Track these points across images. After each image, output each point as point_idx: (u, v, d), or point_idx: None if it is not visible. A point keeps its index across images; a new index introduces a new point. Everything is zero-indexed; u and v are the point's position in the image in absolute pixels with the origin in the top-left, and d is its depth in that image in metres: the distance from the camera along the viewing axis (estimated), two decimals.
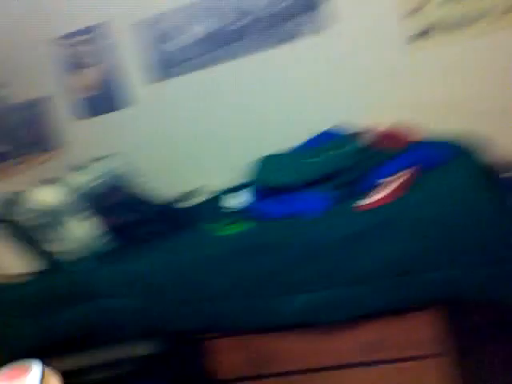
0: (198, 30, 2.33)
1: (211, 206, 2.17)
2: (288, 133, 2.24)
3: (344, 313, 1.59)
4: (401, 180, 1.72)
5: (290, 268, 1.63)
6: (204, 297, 1.69)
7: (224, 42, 2.32)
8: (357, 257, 1.58)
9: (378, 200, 1.67)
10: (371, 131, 2.08)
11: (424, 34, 2.20)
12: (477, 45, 2.12)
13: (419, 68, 2.21)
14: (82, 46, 2.45)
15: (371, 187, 1.74)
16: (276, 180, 1.93)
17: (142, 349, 1.76)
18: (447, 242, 1.50)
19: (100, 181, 2.12)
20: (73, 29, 2.46)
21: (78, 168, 2.16)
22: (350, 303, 1.59)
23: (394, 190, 1.68)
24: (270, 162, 2.02)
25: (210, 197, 2.28)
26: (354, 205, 1.67)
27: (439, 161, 1.82)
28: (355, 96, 2.23)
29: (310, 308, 1.62)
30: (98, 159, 2.24)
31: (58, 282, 1.86)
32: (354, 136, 2.06)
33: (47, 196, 1.97)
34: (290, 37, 2.25)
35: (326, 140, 2.11)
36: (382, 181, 1.76)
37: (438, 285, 1.52)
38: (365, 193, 1.73)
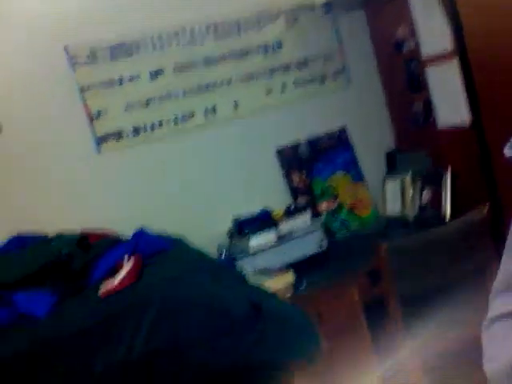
0: None
1: None
2: None
3: None
4: (129, 266, 1.80)
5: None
6: None
7: None
8: (116, 346, 1.58)
9: (116, 286, 1.72)
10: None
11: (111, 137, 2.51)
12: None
13: (111, 171, 2.53)
14: None
15: (99, 276, 1.81)
16: None
17: None
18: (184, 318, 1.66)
19: None
20: None
21: None
22: None
23: (128, 276, 1.76)
24: None
25: None
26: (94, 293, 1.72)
27: (159, 248, 2.00)
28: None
29: None
30: None
31: None
32: (56, 237, 2.14)
33: None
34: None
35: (21, 243, 2.13)
36: (107, 269, 1.83)
37: (196, 363, 1.65)
38: (96, 282, 1.79)
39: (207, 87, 2.70)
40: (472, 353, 2.40)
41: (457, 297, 2.28)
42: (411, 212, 2.80)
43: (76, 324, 1.61)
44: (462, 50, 2.49)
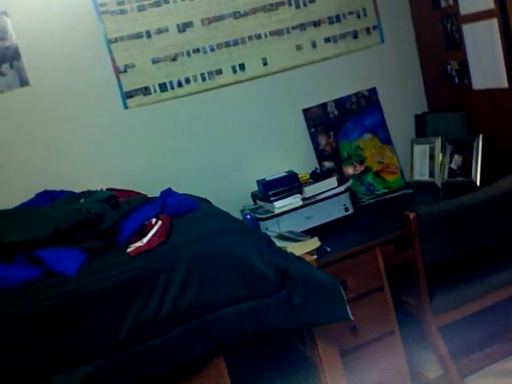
0: None
1: None
2: None
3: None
4: (157, 226, 1.85)
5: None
6: None
7: None
8: (145, 305, 1.65)
9: (145, 245, 1.77)
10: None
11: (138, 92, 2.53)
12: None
13: (138, 127, 2.56)
14: None
15: (129, 235, 1.87)
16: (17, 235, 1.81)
17: None
18: (221, 277, 1.73)
19: None
20: None
21: None
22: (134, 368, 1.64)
23: (156, 235, 1.81)
24: None
25: None
26: (123, 252, 1.77)
27: (186, 208, 2.08)
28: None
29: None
30: None
31: None
32: (84, 194, 2.20)
33: None
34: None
35: (49, 198, 2.21)
36: (135, 228, 1.89)
37: (223, 324, 1.72)
38: (124, 241, 1.85)
39: (236, 42, 2.67)
40: (497, 318, 2.49)
41: (486, 264, 2.32)
42: (440, 178, 2.81)
43: (106, 281, 1.66)
44: (502, 9, 2.43)
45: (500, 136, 2.63)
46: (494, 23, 2.47)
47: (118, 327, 1.63)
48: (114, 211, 1.99)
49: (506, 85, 2.50)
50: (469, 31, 2.65)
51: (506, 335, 2.57)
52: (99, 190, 2.27)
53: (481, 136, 2.66)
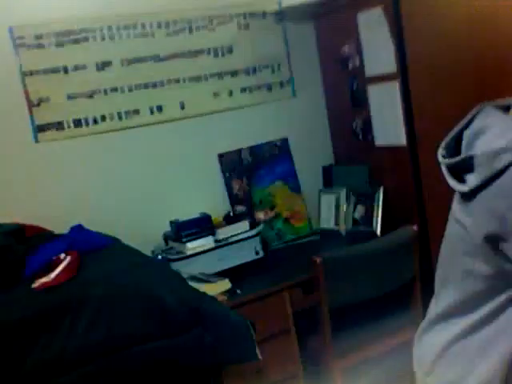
0: None
1: None
2: None
3: None
4: (66, 262, 1.86)
5: None
6: None
7: None
8: (51, 342, 1.60)
9: (52, 280, 1.76)
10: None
11: (51, 126, 2.51)
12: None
13: (48, 162, 2.51)
14: None
15: (34, 271, 1.84)
16: None
17: None
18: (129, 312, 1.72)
19: None
20: None
21: None
22: None
23: (65, 271, 1.81)
24: None
25: None
26: (29, 287, 1.74)
27: (96, 245, 2.09)
28: None
29: None
30: None
31: None
32: None
33: None
34: None
35: None
36: (42, 264, 1.86)
37: (132, 363, 1.69)
38: (30, 276, 1.81)
39: (154, 85, 2.73)
40: (395, 361, 2.61)
41: (385, 308, 2.46)
42: (344, 226, 2.97)
43: (6, 317, 1.60)
44: (404, 74, 2.67)
45: (399, 189, 2.84)
46: (396, 86, 2.71)
47: (20, 365, 1.56)
48: (21, 245, 1.93)
49: (404, 143, 2.73)
50: (373, 91, 2.88)
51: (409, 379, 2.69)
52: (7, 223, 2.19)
53: (382, 188, 2.86)
